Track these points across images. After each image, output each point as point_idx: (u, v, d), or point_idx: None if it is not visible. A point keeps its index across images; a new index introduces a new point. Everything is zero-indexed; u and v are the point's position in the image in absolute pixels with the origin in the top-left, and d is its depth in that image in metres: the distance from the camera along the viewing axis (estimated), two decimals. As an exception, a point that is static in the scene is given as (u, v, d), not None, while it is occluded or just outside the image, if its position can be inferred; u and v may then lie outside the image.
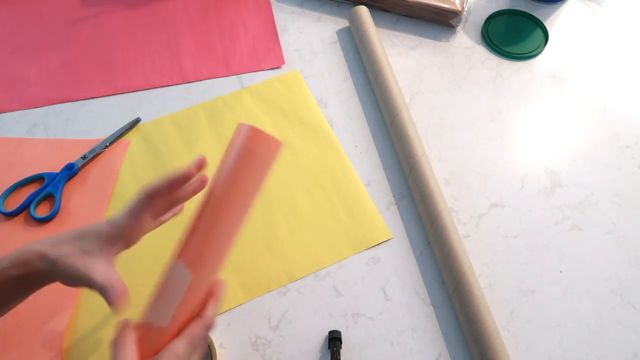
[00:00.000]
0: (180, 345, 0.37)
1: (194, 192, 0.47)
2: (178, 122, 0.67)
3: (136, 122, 0.67)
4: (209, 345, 0.51)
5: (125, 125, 0.66)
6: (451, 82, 0.70)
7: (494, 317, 0.53)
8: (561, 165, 0.64)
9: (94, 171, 0.63)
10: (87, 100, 0.69)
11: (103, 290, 0.40)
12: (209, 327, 0.40)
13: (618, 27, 0.76)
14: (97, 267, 0.41)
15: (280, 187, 0.62)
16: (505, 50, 0.73)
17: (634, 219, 0.60)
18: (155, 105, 0.69)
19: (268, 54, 0.73)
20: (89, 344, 0.53)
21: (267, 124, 0.66)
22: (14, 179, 0.62)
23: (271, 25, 0.75)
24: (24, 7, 0.78)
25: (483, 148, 0.65)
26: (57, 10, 0.77)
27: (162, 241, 0.59)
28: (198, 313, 0.40)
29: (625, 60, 0.73)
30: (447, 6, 0.72)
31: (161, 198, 0.44)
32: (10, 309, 0.45)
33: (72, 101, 0.69)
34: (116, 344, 0.38)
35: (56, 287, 0.56)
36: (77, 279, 0.41)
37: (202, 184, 0.46)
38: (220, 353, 0.52)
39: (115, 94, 0.70)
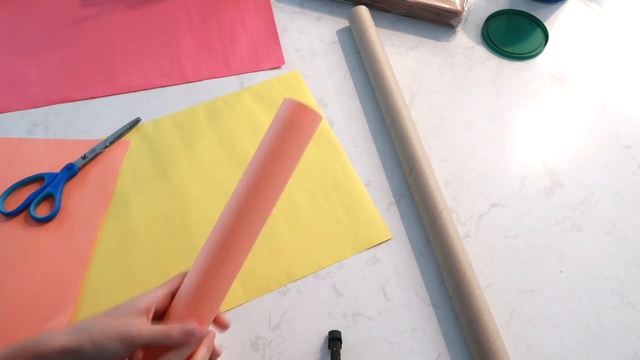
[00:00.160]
0: None
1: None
2: (178, 122, 0.67)
3: (136, 122, 0.67)
4: (209, 345, 0.51)
5: (125, 125, 0.66)
6: (451, 82, 0.70)
7: (494, 317, 0.53)
8: (561, 165, 0.64)
9: (94, 171, 0.63)
10: (87, 100, 0.69)
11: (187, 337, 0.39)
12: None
13: (618, 27, 0.76)
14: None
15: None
16: (505, 50, 0.73)
17: (634, 219, 0.60)
18: (155, 105, 0.69)
19: (268, 54, 0.73)
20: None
21: (267, 124, 0.66)
22: (14, 179, 0.62)
23: (271, 25, 0.75)
24: (24, 7, 0.78)
25: (483, 148, 0.65)
26: (57, 10, 0.77)
27: (162, 241, 0.59)
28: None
29: (625, 60, 0.73)
30: (447, 6, 0.72)
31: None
32: None
33: (72, 101, 0.69)
34: None
35: (56, 286, 0.56)
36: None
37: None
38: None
39: (115, 94, 0.70)
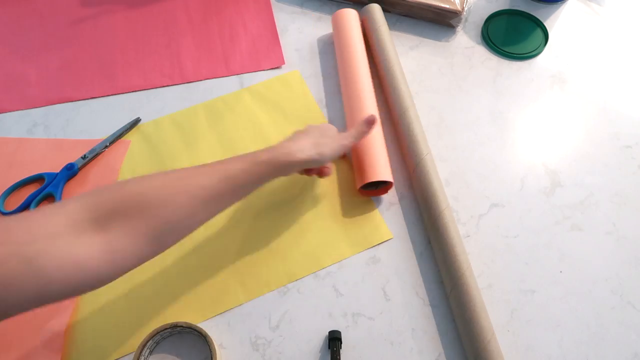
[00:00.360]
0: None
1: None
2: (178, 122, 0.67)
3: (136, 122, 0.67)
4: (208, 346, 0.51)
5: (125, 125, 0.66)
6: (451, 82, 0.70)
7: (494, 318, 0.53)
8: (561, 165, 0.64)
9: (94, 171, 0.63)
10: (87, 100, 0.69)
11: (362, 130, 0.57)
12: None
13: (618, 27, 0.76)
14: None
15: (280, 186, 0.62)
16: (505, 50, 0.73)
17: (634, 219, 0.60)
18: (155, 105, 0.69)
19: (268, 54, 0.73)
20: (89, 344, 0.53)
21: (267, 124, 0.66)
22: (14, 179, 0.62)
23: (271, 25, 0.75)
24: (24, 7, 0.78)
25: (483, 148, 0.65)
26: (57, 10, 0.77)
27: (162, 241, 0.59)
28: None
29: (625, 60, 0.73)
30: (447, 6, 0.72)
31: None
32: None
33: (72, 101, 0.69)
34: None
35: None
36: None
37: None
38: (220, 353, 0.52)
39: (115, 94, 0.70)
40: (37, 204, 0.60)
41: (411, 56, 0.73)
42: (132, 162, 0.64)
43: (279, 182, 0.62)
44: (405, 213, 0.60)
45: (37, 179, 0.62)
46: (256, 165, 0.48)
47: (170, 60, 0.72)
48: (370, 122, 0.57)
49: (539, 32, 0.74)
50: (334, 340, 0.52)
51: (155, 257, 0.57)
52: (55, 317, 0.53)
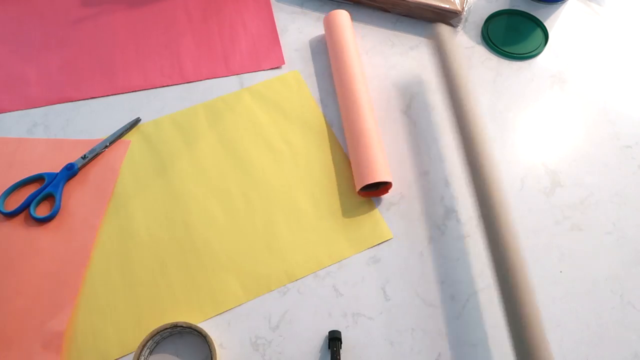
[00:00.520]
0: None
1: None
2: (178, 122, 0.67)
3: (136, 122, 0.67)
4: (208, 346, 0.51)
5: (125, 125, 0.66)
6: (451, 82, 0.70)
7: (494, 318, 0.53)
8: (561, 165, 0.64)
9: (94, 171, 0.63)
10: (87, 100, 0.69)
11: None
12: None
13: (618, 27, 0.76)
14: None
15: (280, 186, 0.62)
16: (505, 50, 0.73)
17: (634, 219, 0.60)
18: (155, 105, 0.69)
19: (268, 54, 0.73)
20: (89, 344, 0.53)
21: (268, 124, 0.66)
22: (14, 179, 0.62)
23: (271, 25, 0.75)
24: (24, 7, 0.78)
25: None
26: (57, 10, 0.77)
27: (162, 241, 0.59)
28: None
29: (625, 60, 0.73)
30: (447, 6, 0.72)
31: None
32: None
33: (72, 101, 0.69)
34: None
35: (56, 286, 0.56)
36: None
37: None
38: (220, 353, 0.52)
39: (115, 94, 0.70)
40: (37, 204, 0.60)
41: (411, 56, 0.73)
42: (132, 162, 0.64)
43: (278, 181, 0.62)
44: (405, 213, 0.60)
45: (37, 179, 0.62)
46: None
47: (170, 60, 0.73)
48: None
49: (539, 32, 0.74)
50: (334, 340, 0.52)
51: (156, 257, 0.57)
52: (55, 317, 0.53)
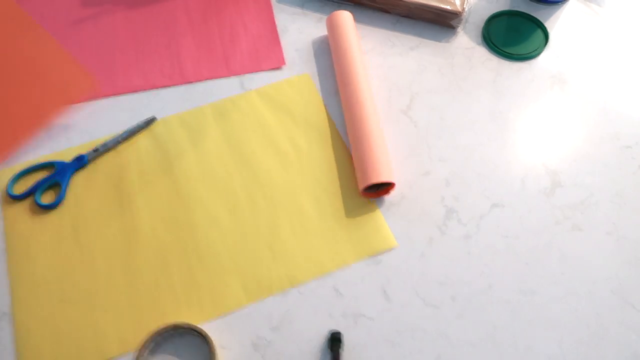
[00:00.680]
0: None
1: None
2: (186, 122, 0.67)
3: (151, 120, 0.66)
4: (209, 346, 0.51)
5: (140, 124, 0.66)
6: (451, 82, 0.70)
7: (494, 318, 0.53)
8: (561, 165, 0.64)
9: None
10: (87, 101, 0.69)
11: None
12: None
13: (618, 28, 0.76)
14: None
15: (285, 189, 0.62)
16: (506, 51, 0.73)
17: (634, 219, 0.60)
18: (155, 105, 0.69)
19: (268, 54, 0.73)
20: (89, 343, 0.53)
21: (275, 127, 0.66)
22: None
23: (271, 25, 0.75)
24: (24, 7, 0.78)
25: (483, 148, 0.65)
26: (57, 10, 0.77)
27: (166, 240, 0.59)
28: None
29: (625, 60, 0.73)
30: (448, 7, 0.72)
31: None
32: None
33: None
34: None
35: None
36: None
37: None
38: (220, 353, 0.52)
39: (115, 94, 0.70)
40: (43, 192, 0.61)
41: (411, 56, 0.73)
42: (140, 161, 0.64)
43: (284, 184, 0.62)
44: (405, 213, 0.60)
45: (48, 166, 0.63)
46: None
47: (170, 60, 0.72)
48: None
49: (539, 33, 0.75)
50: (334, 340, 0.52)
51: (159, 257, 0.57)
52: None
